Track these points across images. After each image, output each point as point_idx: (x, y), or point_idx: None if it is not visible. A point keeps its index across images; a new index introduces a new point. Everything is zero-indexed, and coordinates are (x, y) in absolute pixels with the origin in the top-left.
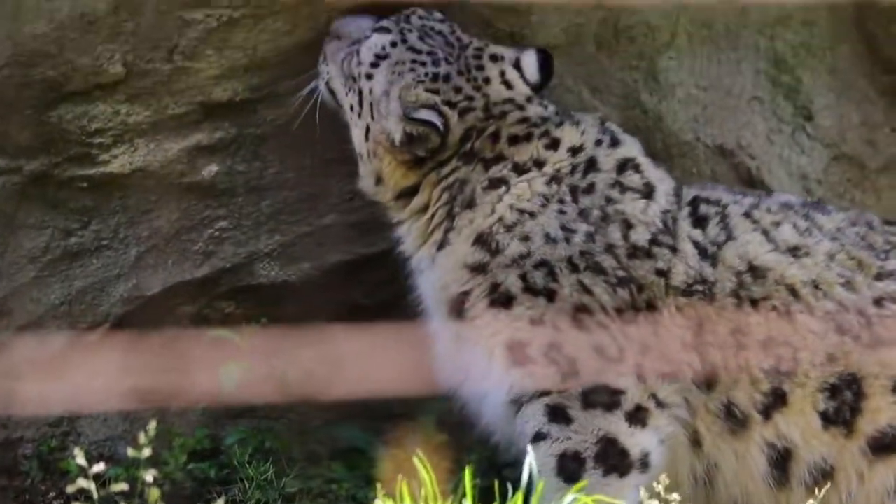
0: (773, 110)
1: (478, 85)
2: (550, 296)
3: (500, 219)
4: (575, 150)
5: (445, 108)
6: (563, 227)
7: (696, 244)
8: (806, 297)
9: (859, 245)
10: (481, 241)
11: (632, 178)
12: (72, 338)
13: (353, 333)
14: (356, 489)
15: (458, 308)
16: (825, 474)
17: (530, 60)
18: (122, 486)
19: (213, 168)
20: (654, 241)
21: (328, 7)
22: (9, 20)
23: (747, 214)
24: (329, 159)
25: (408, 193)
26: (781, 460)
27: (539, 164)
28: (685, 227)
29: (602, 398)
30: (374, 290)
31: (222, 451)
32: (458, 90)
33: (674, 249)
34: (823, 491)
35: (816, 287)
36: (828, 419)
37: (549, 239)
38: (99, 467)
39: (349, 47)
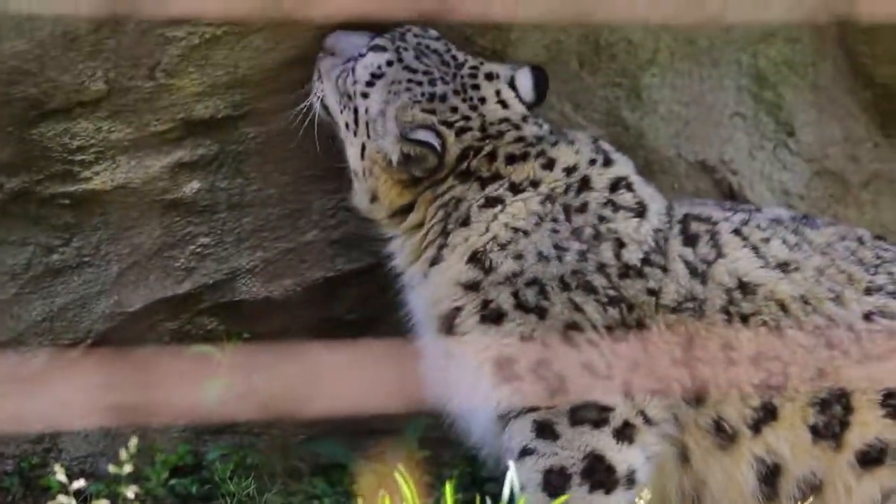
0: (755, 126)
1: (474, 105)
2: (541, 313)
3: (495, 237)
4: (569, 170)
5: (442, 129)
6: (556, 246)
7: (686, 263)
8: (796, 312)
9: (849, 260)
10: (475, 259)
11: (624, 197)
12: (53, 354)
13: (335, 349)
14: None
15: (448, 324)
16: (813, 488)
17: (525, 79)
18: (104, 503)
19: (195, 185)
20: (646, 261)
21: (310, 25)
22: None
23: (737, 231)
24: (311, 176)
25: (402, 211)
26: (770, 475)
27: (535, 183)
28: (676, 245)
29: (590, 415)
30: (356, 306)
31: (204, 467)
32: (454, 110)
33: (665, 269)
34: None
35: (806, 302)
36: (817, 433)
37: (542, 257)
38: (80, 484)
39: (344, 64)
